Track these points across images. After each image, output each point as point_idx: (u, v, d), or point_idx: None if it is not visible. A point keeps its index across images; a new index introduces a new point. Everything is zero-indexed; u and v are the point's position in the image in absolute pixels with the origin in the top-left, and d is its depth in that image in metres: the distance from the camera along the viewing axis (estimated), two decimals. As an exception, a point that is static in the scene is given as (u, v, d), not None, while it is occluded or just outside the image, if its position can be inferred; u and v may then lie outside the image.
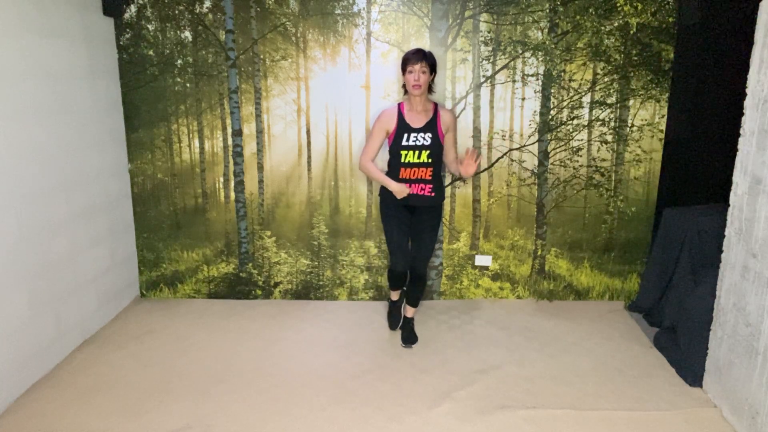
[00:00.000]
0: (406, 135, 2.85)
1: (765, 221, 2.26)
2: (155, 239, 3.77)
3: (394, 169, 2.92)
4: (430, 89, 2.90)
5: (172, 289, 3.84)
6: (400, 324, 3.33)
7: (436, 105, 2.94)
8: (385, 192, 3.01)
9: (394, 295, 3.34)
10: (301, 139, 3.64)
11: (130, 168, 3.68)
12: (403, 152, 2.86)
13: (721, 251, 2.59)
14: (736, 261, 2.45)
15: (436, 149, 2.86)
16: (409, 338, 3.19)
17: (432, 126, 2.86)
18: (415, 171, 2.88)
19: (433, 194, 2.92)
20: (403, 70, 2.82)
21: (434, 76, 2.87)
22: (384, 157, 3.07)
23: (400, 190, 2.87)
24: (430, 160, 2.86)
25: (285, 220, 3.75)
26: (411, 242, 3.09)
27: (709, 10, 3.27)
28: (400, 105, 2.93)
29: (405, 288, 3.29)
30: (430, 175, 2.89)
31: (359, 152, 3.61)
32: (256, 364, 2.95)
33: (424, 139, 2.84)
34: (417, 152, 2.85)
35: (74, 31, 3.06)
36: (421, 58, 2.76)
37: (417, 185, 2.91)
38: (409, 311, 3.26)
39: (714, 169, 3.24)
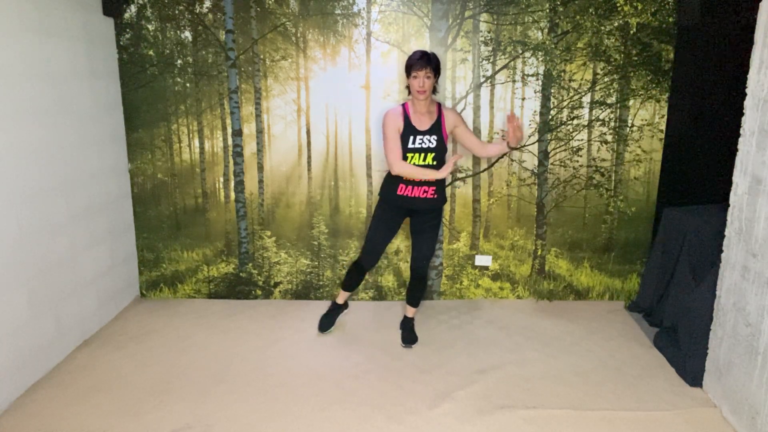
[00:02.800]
0: (412, 137, 2.83)
1: (765, 221, 2.26)
2: (155, 239, 3.77)
3: None
4: (434, 90, 2.88)
5: (172, 289, 3.84)
6: (403, 325, 3.30)
7: (439, 105, 2.92)
8: (385, 193, 3.00)
9: (341, 298, 3.32)
10: (301, 139, 3.64)
11: (130, 168, 3.68)
12: (409, 155, 2.83)
13: (721, 251, 2.59)
14: (736, 261, 2.45)
15: (441, 151, 2.85)
16: (409, 338, 3.19)
17: (437, 128, 2.84)
18: None
19: (435, 196, 2.91)
20: (408, 74, 2.79)
21: (438, 78, 2.85)
22: (382, 157, 3.07)
23: (449, 170, 2.76)
24: (435, 163, 2.85)
25: (285, 220, 3.75)
26: (412, 242, 3.09)
27: (709, 10, 3.26)
28: (404, 105, 2.90)
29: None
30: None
31: (359, 152, 3.61)
32: (256, 364, 2.95)
33: (429, 141, 2.82)
34: (422, 155, 2.82)
35: (74, 31, 3.06)
36: (425, 64, 2.71)
37: (420, 188, 2.89)
38: (409, 311, 3.26)
39: (714, 169, 3.23)
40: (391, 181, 2.94)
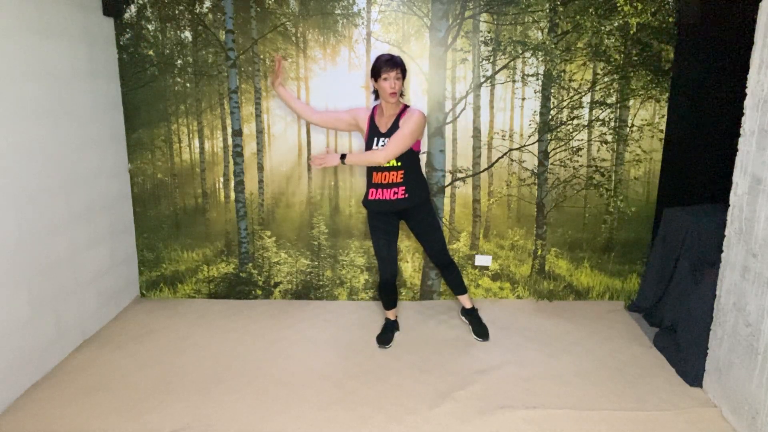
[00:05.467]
0: (375, 139, 2.85)
1: (765, 221, 2.26)
2: (155, 239, 3.77)
3: (369, 173, 2.93)
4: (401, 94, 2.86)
5: (172, 289, 3.84)
6: (468, 317, 3.31)
7: (405, 107, 2.88)
8: (368, 202, 2.99)
9: (390, 315, 3.28)
10: (301, 139, 3.64)
11: (130, 168, 3.68)
12: None
13: (721, 251, 2.59)
14: (736, 261, 2.45)
15: (404, 151, 2.82)
16: (481, 331, 3.22)
17: (395, 129, 2.82)
18: (386, 175, 2.86)
19: (406, 196, 2.89)
20: (376, 76, 2.76)
21: (404, 80, 2.82)
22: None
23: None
24: (398, 163, 2.84)
25: (285, 220, 3.75)
26: (419, 242, 3.13)
27: (709, 10, 3.26)
28: (374, 109, 2.93)
29: (393, 296, 3.24)
30: (401, 178, 2.87)
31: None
32: (256, 364, 2.95)
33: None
34: None
35: (74, 31, 3.06)
36: (395, 65, 2.73)
37: (390, 189, 2.88)
38: (464, 301, 3.28)
39: (714, 169, 3.23)
40: (366, 188, 2.98)
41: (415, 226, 3.02)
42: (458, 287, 3.24)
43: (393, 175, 2.86)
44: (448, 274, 3.19)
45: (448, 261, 3.14)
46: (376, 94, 2.85)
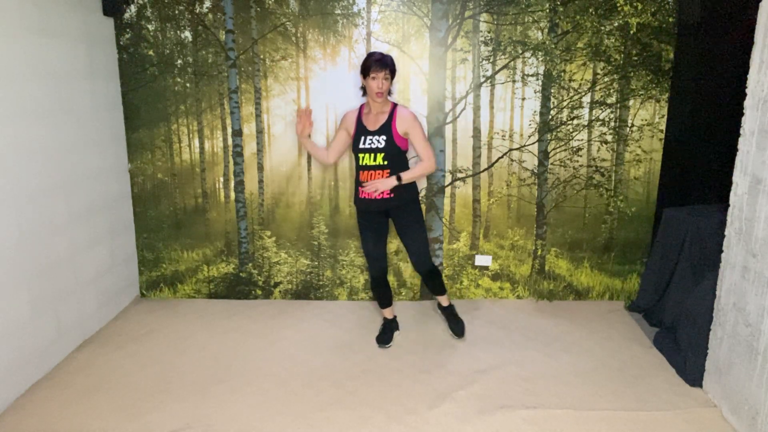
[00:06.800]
0: (362, 138, 2.85)
1: (765, 221, 2.26)
2: (155, 239, 3.77)
3: (357, 173, 2.93)
4: (389, 92, 2.87)
5: (172, 289, 3.84)
6: (445, 315, 3.32)
7: (394, 106, 2.88)
8: (354, 201, 3.01)
9: (387, 314, 3.28)
10: (301, 139, 3.64)
11: (130, 168, 3.68)
12: (360, 155, 2.86)
13: (721, 251, 2.59)
14: (736, 261, 2.45)
15: (392, 151, 2.84)
16: (458, 328, 3.24)
17: (386, 128, 2.83)
18: (372, 174, 2.86)
19: (392, 195, 2.88)
20: (364, 74, 2.78)
21: (393, 79, 2.83)
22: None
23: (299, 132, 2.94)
24: (385, 162, 2.84)
25: (285, 220, 3.75)
26: (402, 243, 3.11)
27: (709, 10, 3.27)
28: (361, 107, 2.94)
29: (387, 295, 3.25)
30: (387, 177, 2.87)
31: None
32: (256, 364, 2.95)
33: (378, 141, 2.83)
34: (372, 155, 2.84)
35: (74, 31, 3.06)
36: (384, 66, 2.73)
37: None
38: (441, 300, 3.28)
39: (714, 169, 3.24)
40: (355, 188, 2.98)
41: (397, 223, 3.01)
42: (437, 289, 3.22)
43: (380, 174, 2.86)
44: (429, 280, 3.15)
45: (429, 267, 3.09)
46: (364, 90, 2.86)
